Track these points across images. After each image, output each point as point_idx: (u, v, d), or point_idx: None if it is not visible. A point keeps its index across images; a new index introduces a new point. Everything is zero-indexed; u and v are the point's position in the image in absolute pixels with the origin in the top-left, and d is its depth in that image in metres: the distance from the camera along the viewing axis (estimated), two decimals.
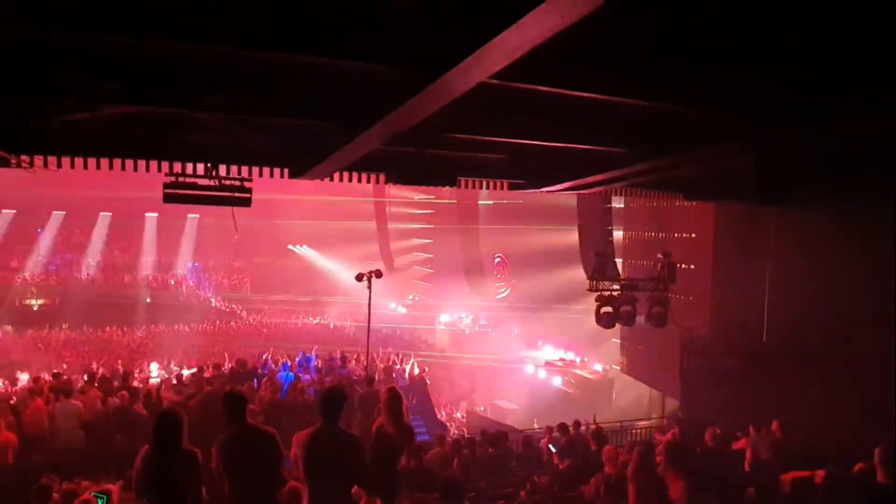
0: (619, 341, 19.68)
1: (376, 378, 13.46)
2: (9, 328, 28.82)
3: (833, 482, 6.24)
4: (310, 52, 4.61)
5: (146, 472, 4.69)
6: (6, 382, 12.08)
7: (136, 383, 12.33)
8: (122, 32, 4.30)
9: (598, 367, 21.08)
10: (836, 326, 10.59)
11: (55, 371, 14.21)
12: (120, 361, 20.54)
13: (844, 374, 10.31)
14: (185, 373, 15.35)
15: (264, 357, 16.24)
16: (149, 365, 16.25)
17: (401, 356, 19.39)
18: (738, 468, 8.08)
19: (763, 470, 7.77)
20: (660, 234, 17.34)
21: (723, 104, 6.35)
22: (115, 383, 11.42)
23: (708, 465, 7.51)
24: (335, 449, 4.88)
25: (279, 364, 15.56)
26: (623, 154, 8.56)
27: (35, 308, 32.40)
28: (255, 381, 12.72)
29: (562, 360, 22.66)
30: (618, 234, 15.95)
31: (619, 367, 20.23)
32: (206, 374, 13.63)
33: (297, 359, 16.38)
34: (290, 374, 14.52)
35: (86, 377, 12.66)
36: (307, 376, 14.49)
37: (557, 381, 20.76)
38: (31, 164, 7.46)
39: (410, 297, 34.33)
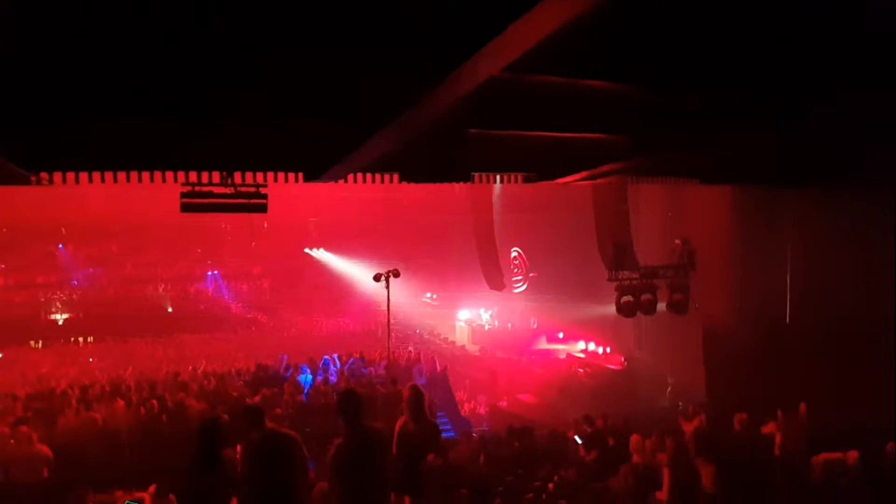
0: (640, 330, 19.56)
1: (396, 378, 13.51)
2: (38, 343, 29.29)
3: (865, 462, 6.19)
4: (321, 55, 4.63)
5: (189, 479, 4.77)
6: (36, 396, 12.28)
7: (161, 392, 12.44)
8: (140, 42, 4.34)
9: (621, 357, 20.96)
10: (859, 308, 10.46)
11: (84, 384, 14.39)
12: (146, 373, 20.81)
13: (869, 355, 10.18)
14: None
15: (284, 361, 16.33)
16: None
17: (419, 353, 19.43)
18: (769, 452, 8.02)
19: (793, 453, 7.71)
20: (677, 220, 17.19)
21: (741, 89, 6.29)
22: (143, 394, 11.55)
23: (737, 451, 7.46)
24: (362, 448, 4.93)
25: (298, 368, 15.66)
26: (637, 142, 8.50)
27: (60, 323, 32.90)
28: (271, 386, 12.81)
29: (583, 351, 22.58)
30: (634, 222, 15.81)
31: (641, 356, 20.12)
32: (229, 381, 13.76)
33: (320, 363, 16.46)
34: (310, 376, 14.62)
35: (112, 389, 12.81)
36: (333, 378, 14.58)
37: (580, 372, 20.69)
38: (51, 180, 7.55)
39: (428, 295, 34.31)
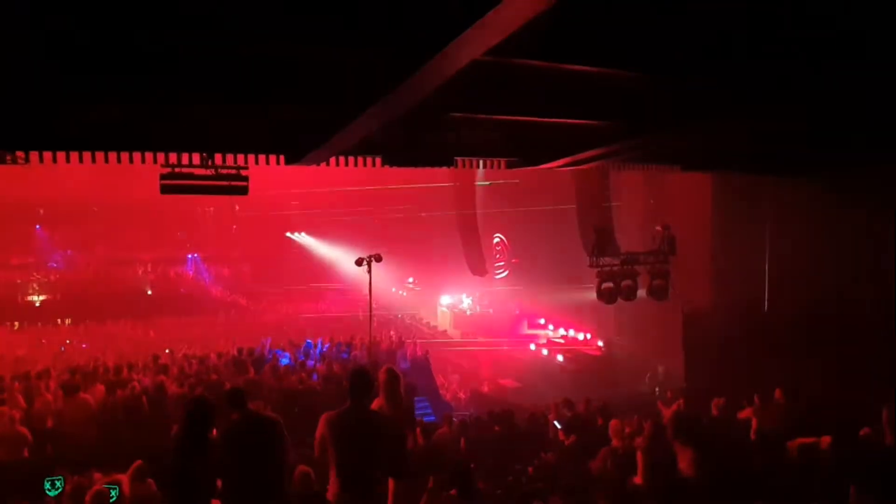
0: (620, 316, 19.72)
1: (378, 362, 13.53)
2: (14, 325, 28.96)
3: (839, 447, 6.30)
4: (302, 38, 4.58)
5: (170, 459, 4.76)
6: (14, 378, 12.15)
7: (140, 375, 12.36)
8: (117, 22, 4.26)
9: (601, 342, 21.14)
10: (837, 294, 10.62)
11: (62, 366, 14.26)
12: (124, 355, 20.65)
13: (846, 341, 10.35)
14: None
15: (265, 344, 16.30)
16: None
17: (401, 338, 19.46)
18: (745, 437, 8.15)
19: (769, 438, 7.84)
20: (658, 207, 17.31)
21: (720, 75, 6.31)
22: (122, 375, 11.46)
23: (714, 435, 7.57)
24: (363, 428, 4.96)
25: (277, 351, 15.65)
26: (619, 127, 8.51)
27: (38, 304, 32.53)
28: (252, 369, 12.77)
29: (564, 337, 22.75)
30: (616, 208, 15.90)
31: (621, 342, 20.31)
32: (209, 364, 13.70)
33: (302, 347, 16.44)
34: (290, 361, 14.61)
35: (91, 371, 12.70)
36: (312, 363, 14.56)
37: (560, 358, 20.84)
38: (27, 159, 7.42)
39: (410, 280, 34.33)
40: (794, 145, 10.04)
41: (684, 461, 6.42)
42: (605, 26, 5.08)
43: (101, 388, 10.69)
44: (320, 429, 4.96)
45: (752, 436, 8.17)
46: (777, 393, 9.04)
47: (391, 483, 5.80)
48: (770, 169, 11.48)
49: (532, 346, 22.37)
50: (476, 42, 4.17)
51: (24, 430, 8.74)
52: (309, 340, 17.18)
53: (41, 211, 33.33)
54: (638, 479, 6.36)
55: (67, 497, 6.06)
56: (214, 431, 5.06)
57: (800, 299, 11.42)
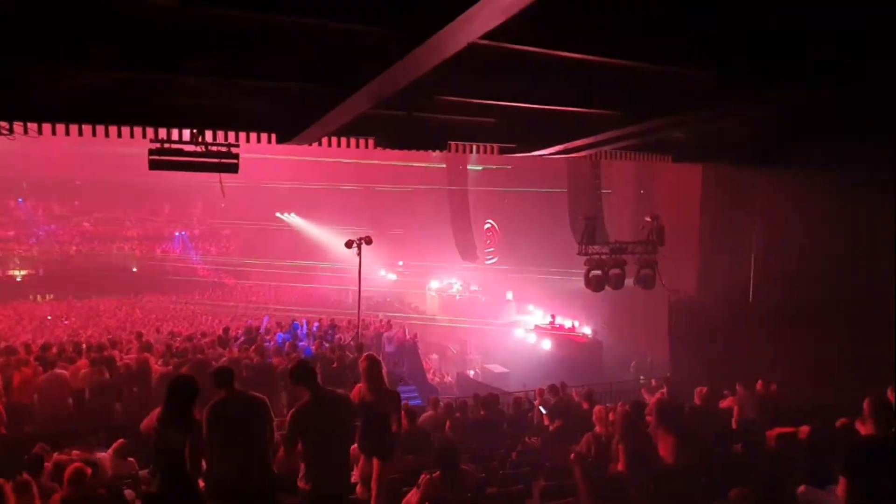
0: (608, 304, 19.79)
1: (364, 344, 13.53)
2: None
3: (817, 437, 6.39)
4: (297, 12, 4.51)
5: (155, 437, 4.73)
6: None
7: (124, 353, 12.29)
8: None
9: (588, 329, 21.25)
10: (821, 286, 10.69)
11: (43, 342, 14.14)
12: (108, 332, 20.55)
13: (829, 334, 10.44)
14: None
15: (265, 322, 16.34)
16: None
17: (389, 321, 19.46)
18: (726, 425, 8.23)
19: (749, 427, 7.92)
20: (648, 197, 17.36)
21: (712, 66, 6.31)
22: (105, 353, 11.38)
23: (696, 423, 7.63)
24: (323, 412, 4.98)
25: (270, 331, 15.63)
26: (613, 117, 8.50)
27: (19, 279, 32.16)
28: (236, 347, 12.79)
29: (551, 323, 22.85)
30: (606, 198, 15.92)
31: (608, 330, 20.42)
32: (195, 342, 13.63)
33: (290, 327, 16.42)
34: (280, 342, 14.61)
35: (73, 347, 12.60)
36: (302, 343, 14.55)
37: (547, 344, 20.93)
38: (11, 130, 7.29)
39: (399, 263, 34.32)
40: (782, 135, 10.10)
41: (665, 448, 6.49)
42: (601, 14, 5.05)
43: (83, 364, 10.60)
44: (289, 426, 4.99)
45: (734, 425, 8.26)
46: (759, 383, 9.14)
47: (376, 464, 5.82)
48: (759, 160, 11.52)
49: (519, 332, 22.45)
50: (473, 25, 4.14)
51: (2, 407, 8.67)
52: (296, 322, 17.15)
53: (24, 184, 32.88)
54: (620, 466, 6.41)
55: (47, 474, 6.03)
56: (198, 410, 5.03)
57: (785, 291, 11.50)
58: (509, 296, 25.57)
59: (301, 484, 5.04)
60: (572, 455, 6.65)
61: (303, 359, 5.80)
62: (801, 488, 5.28)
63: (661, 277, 13.53)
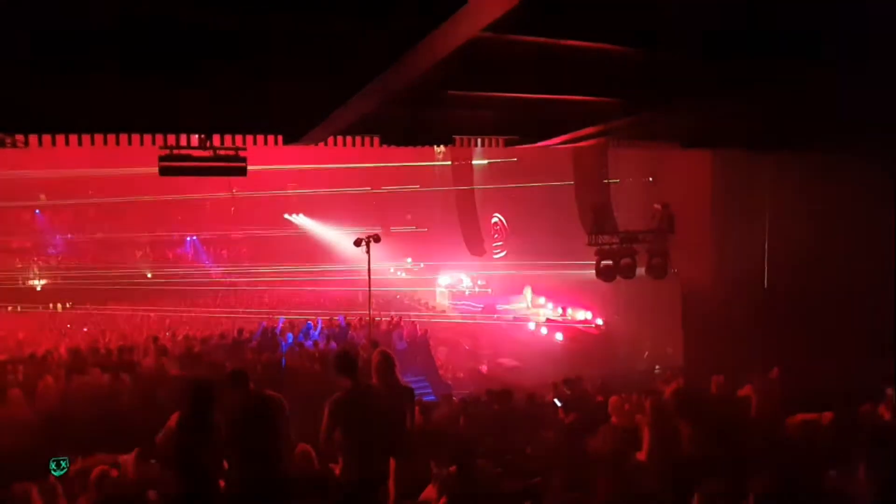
0: (619, 294, 19.72)
1: (377, 342, 13.57)
2: (16, 308, 28.99)
3: (840, 423, 6.33)
4: (300, 10, 4.53)
5: (176, 441, 4.78)
6: (16, 361, 12.21)
7: (141, 357, 12.40)
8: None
9: (600, 321, 21.18)
10: (836, 271, 10.63)
11: (63, 349, 14.28)
12: (125, 337, 20.69)
13: (845, 319, 10.37)
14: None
15: (280, 323, 16.44)
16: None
17: (400, 318, 19.50)
18: (745, 413, 8.19)
19: (769, 415, 7.87)
20: (657, 186, 17.25)
21: (718, 51, 6.26)
22: (125, 358, 11.50)
23: (714, 412, 7.60)
24: (367, 405, 5.05)
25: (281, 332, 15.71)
26: (618, 104, 8.45)
27: (38, 288, 32.52)
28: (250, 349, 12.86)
29: (563, 315, 22.78)
30: (614, 187, 15.86)
31: (620, 320, 20.34)
32: (210, 345, 13.74)
33: (302, 327, 16.50)
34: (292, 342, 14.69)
35: (93, 354, 12.73)
36: (310, 343, 14.63)
37: (559, 336, 20.88)
38: (27, 143, 7.38)
39: (408, 260, 34.35)
40: (792, 121, 10.00)
41: (684, 438, 6.47)
42: (602, 2, 5.04)
43: (100, 370, 10.71)
44: (327, 414, 5.02)
45: (752, 413, 8.21)
46: (776, 371, 9.07)
47: (391, 462, 5.85)
48: (770, 146, 11.43)
49: (531, 325, 22.41)
50: (474, 18, 4.14)
51: (28, 413, 8.77)
52: (309, 322, 17.22)
53: (42, 196, 33.28)
54: (641, 456, 6.39)
55: (72, 478, 6.10)
56: (217, 412, 5.08)
57: (800, 276, 11.42)
58: (527, 292, 25.34)
59: (339, 473, 5.09)
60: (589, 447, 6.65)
61: (346, 349, 5.84)
62: (831, 473, 5.24)
63: (672, 266, 13.47)
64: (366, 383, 5.28)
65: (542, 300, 24.64)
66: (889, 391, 4.89)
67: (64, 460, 6.30)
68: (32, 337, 22.41)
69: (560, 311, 22.84)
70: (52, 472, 5.81)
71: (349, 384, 5.10)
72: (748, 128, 10.66)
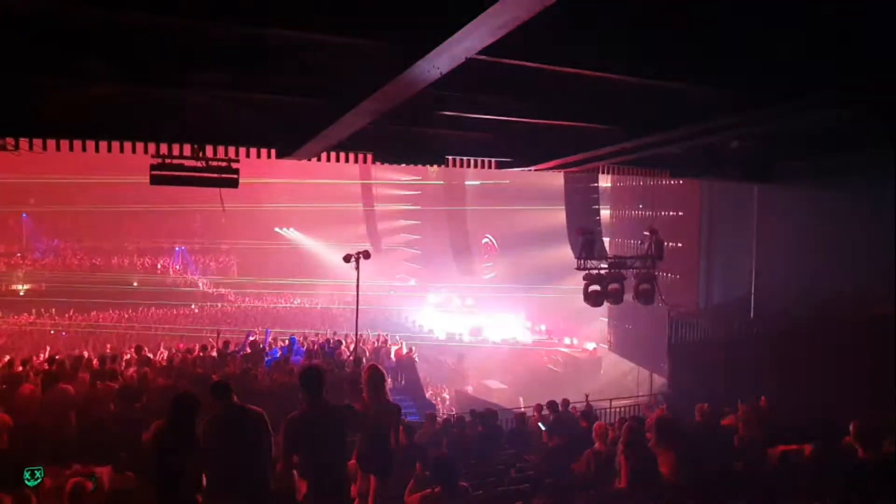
0: (607, 319, 19.81)
1: (364, 360, 13.49)
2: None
3: (821, 455, 6.33)
4: (296, 27, 4.56)
5: (154, 452, 4.72)
6: None
7: (123, 366, 12.27)
8: (108, 6, 4.23)
9: (590, 345, 21.20)
10: (823, 300, 10.67)
11: (48, 356, 14.10)
12: (108, 346, 20.51)
13: (830, 349, 10.41)
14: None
15: (268, 336, 16.34)
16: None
17: (387, 337, 19.43)
18: (728, 443, 8.18)
19: (751, 444, 7.87)
20: (647, 212, 17.39)
21: (709, 81, 6.35)
22: (106, 367, 11.36)
23: (697, 440, 7.59)
24: (327, 425, 4.94)
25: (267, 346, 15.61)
26: (610, 132, 8.54)
27: (21, 293, 32.17)
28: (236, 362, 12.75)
29: (549, 338, 22.81)
30: (605, 213, 15.97)
31: (606, 346, 20.38)
32: (194, 356, 13.61)
33: (287, 341, 16.40)
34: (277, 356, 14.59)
35: (73, 362, 12.56)
36: (297, 358, 14.52)
37: (546, 359, 20.90)
38: (17, 146, 7.33)
39: (398, 277, 34.39)
40: (781, 151, 10.13)
41: (666, 465, 6.45)
42: (599, 30, 5.10)
43: (83, 378, 10.57)
44: (283, 433, 4.92)
45: (735, 442, 8.20)
46: (762, 400, 9.08)
47: (373, 480, 5.79)
48: (758, 176, 11.56)
49: (518, 348, 22.41)
50: (472, 40, 4.18)
51: (5, 416, 8.63)
52: (293, 336, 17.12)
53: (32, 200, 33.07)
54: (621, 484, 6.37)
55: (47, 489, 6.00)
56: (202, 423, 5.03)
57: (786, 306, 11.49)
58: (520, 316, 25.34)
59: (300, 498, 5.01)
60: (573, 472, 6.62)
61: (313, 365, 5.74)
62: None
63: (660, 292, 13.52)
64: (326, 403, 5.08)
65: (528, 323, 24.68)
66: (852, 427, 4.84)
67: (39, 470, 6.20)
68: (13, 343, 22.15)
69: (548, 335, 22.87)
70: (27, 482, 5.70)
71: (306, 403, 4.96)
72: (735, 158, 10.79)
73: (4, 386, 10.00)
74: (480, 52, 4.53)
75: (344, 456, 5.23)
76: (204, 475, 4.85)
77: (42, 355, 15.24)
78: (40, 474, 6.09)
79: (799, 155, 10.67)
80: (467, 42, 4.20)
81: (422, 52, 4.41)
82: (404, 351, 17.83)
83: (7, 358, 13.46)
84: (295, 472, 5.06)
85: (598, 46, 5.37)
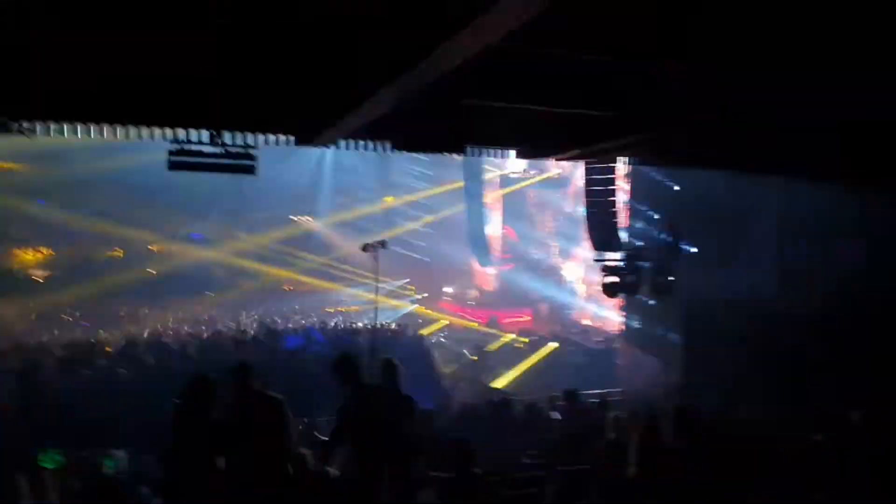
0: (623, 310, 19.70)
1: (378, 348, 13.52)
2: (13, 299, 28.94)
3: (832, 445, 6.34)
4: (318, 12, 4.55)
5: (172, 435, 4.78)
6: (14, 352, 12.20)
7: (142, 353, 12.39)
8: None
9: (603, 336, 21.14)
10: (847, 293, 10.47)
11: (64, 343, 14.29)
12: (125, 332, 20.73)
13: (853, 341, 10.20)
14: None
15: (268, 324, 16.43)
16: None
17: (404, 325, 19.48)
18: (742, 434, 8.14)
19: (766, 436, 7.83)
20: (666, 203, 17.21)
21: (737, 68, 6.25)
22: (127, 354, 11.51)
23: (711, 432, 7.56)
24: (374, 409, 5.07)
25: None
26: (631, 121, 8.44)
27: (41, 280, 32.49)
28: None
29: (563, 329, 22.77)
30: (623, 204, 15.83)
31: (623, 336, 20.29)
32: (212, 340, 13.75)
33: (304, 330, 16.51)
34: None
35: (92, 348, 12.72)
36: (315, 347, 14.61)
37: (560, 349, 20.85)
38: (34, 130, 7.39)
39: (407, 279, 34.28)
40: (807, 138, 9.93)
41: (680, 457, 6.43)
42: (623, 17, 5.04)
43: (103, 364, 10.72)
44: (337, 422, 5.06)
45: (749, 434, 8.16)
46: (779, 392, 9.02)
47: (388, 468, 5.82)
48: (780, 166, 11.37)
49: (533, 337, 22.40)
50: (493, 27, 4.14)
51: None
52: (310, 326, 17.23)
53: (45, 185, 33.18)
54: (634, 473, 6.36)
55: (67, 471, 6.09)
56: (216, 409, 5.07)
57: (808, 297, 11.31)
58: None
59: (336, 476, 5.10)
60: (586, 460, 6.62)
61: (346, 354, 5.81)
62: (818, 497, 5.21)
63: (677, 283, 13.43)
64: (368, 387, 5.29)
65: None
66: (853, 415, 4.82)
67: (57, 452, 6.30)
68: (31, 328, 22.44)
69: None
70: (45, 464, 5.80)
71: (350, 391, 5.14)
72: (758, 148, 10.63)
73: (24, 371, 10.11)
74: (501, 39, 4.49)
75: (390, 437, 5.32)
76: (221, 457, 4.89)
77: (61, 341, 15.44)
78: (59, 457, 6.18)
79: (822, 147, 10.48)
80: (486, 29, 4.16)
81: (441, 40, 4.38)
82: (420, 340, 17.87)
83: (27, 344, 13.64)
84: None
85: (621, 34, 5.30)
